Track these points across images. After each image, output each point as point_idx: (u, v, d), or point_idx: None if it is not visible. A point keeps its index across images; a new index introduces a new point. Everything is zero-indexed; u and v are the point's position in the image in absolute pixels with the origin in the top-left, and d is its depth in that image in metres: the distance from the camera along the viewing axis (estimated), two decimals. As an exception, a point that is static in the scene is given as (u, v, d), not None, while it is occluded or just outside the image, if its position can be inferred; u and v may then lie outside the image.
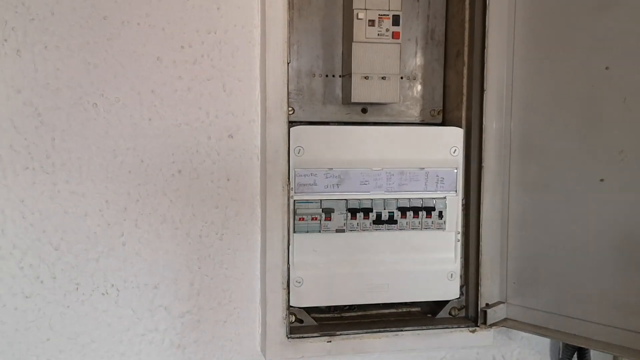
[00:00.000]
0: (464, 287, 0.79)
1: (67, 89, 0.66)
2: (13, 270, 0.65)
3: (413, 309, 0.81)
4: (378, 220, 0.75)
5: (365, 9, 0.72)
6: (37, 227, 0.66)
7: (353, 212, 0.74)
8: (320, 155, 0.72)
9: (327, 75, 0.77)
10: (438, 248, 0.77)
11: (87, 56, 0.66)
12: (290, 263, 0.72)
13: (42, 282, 0.66)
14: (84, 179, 0.67)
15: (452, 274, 0.78)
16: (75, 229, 0.67)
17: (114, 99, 0.67)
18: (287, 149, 0.70)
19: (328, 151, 0.73)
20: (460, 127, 0.77)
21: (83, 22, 0.66)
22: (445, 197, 0.76)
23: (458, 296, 0.79)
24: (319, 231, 0.73)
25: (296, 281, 0.73)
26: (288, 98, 0.69)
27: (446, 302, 0.79)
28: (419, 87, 0.81)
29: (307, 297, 0.73)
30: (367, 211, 0.74)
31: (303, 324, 0.74)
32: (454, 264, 0.78)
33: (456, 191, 0.77)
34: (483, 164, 0.76)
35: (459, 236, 0.78)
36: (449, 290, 0.78)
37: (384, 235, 0.75)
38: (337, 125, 0.76)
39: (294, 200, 0.72)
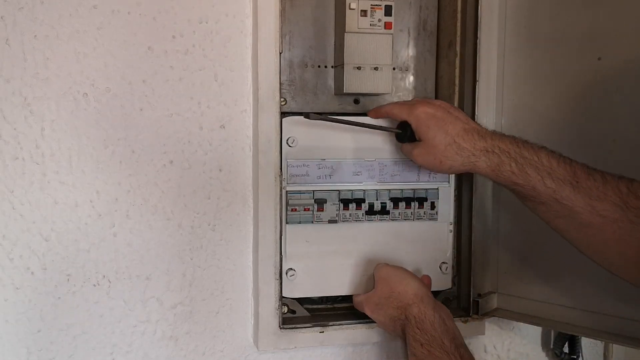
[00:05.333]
0: (456, 277, 0.79)
1: (56, 79, 0.65)
2: (3, 261, 0.65)
3: (405, 300, 0.81)
4: (370, 211, 0.75)
5: (357, -1, 0.72)
6: (27, 218, 0.65)
7: (345, 202, 0.74)
8: (313, 145, 0.72)
9: (319, 66, 0.77)
10: (430, 239, 0.77)
11: (77, 45, 0.66)
12: (282, 254, 0.72)
13: (33, 273, 0.66)
14: (74, 169, 0.66)
15: (444, 265, 0.78)
16: (65, 219, 0.66)
17: (104, 89, 0.67)
18: (279, 139, 0.69)
19: (321, 142, 0.72)
20: (453, 117, 0.77)
21: (72, 10, 0.65)
22: (437, 188, 0.77)
23: (450, 287, 0.79)
24: (312, 222, 0.73)
25: (289, 272, 0.72)
26: (280, 88, 0.69)
27: (438, 292, 0.79)
28: (411, 78, 0.81)
29: (300, 288, 0.73)
30: (359, 202, 0.74)
31: (295, 315, 0.74)
32: (446, 255, 0.78)
33: (449, 182, 0.77)
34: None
35: (451, 227, 0.78)
36: (442, 281, 0.78)
37: (377, 226, 0.75)
38: (330, 115, 0.76)
39: (287, 191, 0.72)
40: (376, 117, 0.72)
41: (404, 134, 0.69)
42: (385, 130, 0.72)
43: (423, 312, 0.63)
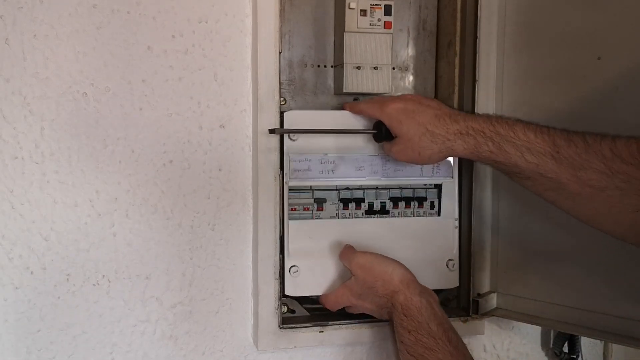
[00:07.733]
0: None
1: (56, 78, 0.65)
2: (2, 261, 0.65)
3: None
4: (370, 210, 0.74)
5: (357, -2, 0.72)
6: (27, 218, 0.65)
7: (345, 202, 0.74)
8: (315, 140, 0.72)
9: (319, 66, 0.77)
10: (436, 235, 0.77)
11: (77, 45, 0.65)
12: (285, 251, 0.71)
13: (32, 273, 0.66)
14: (74, 168, 0.66)
15: (450, 262, 0.77)
16: (65, 219, 0.66)
17: (104, 88, 0.67)
18: (278, 138, 0.69)
19: (323, 136, 0.72)
20: (453, 117, 0.77)
21: (72, 10, 0.65)
22: (441, 183, 0.76)
23: (458, 284, 0.78)
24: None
25: (292, 269, 0.72)
26: (280, 88, 0.69)
27: (441, 290, 0.79)
28: (411, 78, 0.81)
29: (303, 286, 0.73)
30: (358, 201, 0.74)
31: (295, 314, 0.74)
32: (453, 252, 0.77)
33: (452, 177, 0.76)
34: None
35: (457, 223, 0.77)
36: (449, 278, 0.77)
37: (380, 222, 0.75)
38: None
39: (289, 187, 0.71)
40: (352, 112, 0.72)
41: (380, 133, 0.69)
42: (361, 133, 0.72)
43: (409, 298, 0.63)
